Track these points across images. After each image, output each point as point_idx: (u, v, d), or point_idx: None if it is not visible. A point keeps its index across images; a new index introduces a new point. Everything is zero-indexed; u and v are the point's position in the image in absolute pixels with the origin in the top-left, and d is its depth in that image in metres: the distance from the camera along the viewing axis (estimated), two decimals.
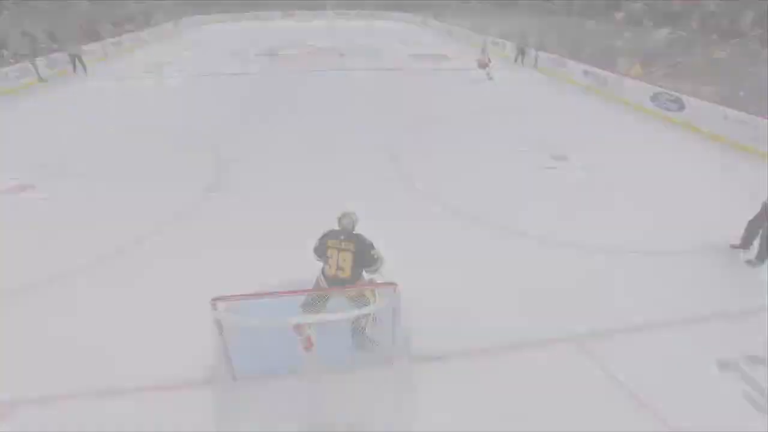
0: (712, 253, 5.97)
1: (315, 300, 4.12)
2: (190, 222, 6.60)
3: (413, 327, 4.50)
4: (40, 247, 5.96)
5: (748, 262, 5.67)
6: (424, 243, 5.92)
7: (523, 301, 4.99)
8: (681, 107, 11.55)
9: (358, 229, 4.26)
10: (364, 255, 4.07)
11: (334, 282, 4.07)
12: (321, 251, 4.21)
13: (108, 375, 4.00)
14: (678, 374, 4.09)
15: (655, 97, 12.39)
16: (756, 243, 5.72)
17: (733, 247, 6.00)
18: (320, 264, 4.26)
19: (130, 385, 3.91)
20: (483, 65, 15.76)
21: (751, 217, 5.77)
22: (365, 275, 4.22)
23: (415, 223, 6.47)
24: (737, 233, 5.94)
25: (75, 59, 17.07)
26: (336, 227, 4.26)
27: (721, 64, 12.03)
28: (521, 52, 19.55)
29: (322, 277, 4.22)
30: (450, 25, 30.74)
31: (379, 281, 4.12)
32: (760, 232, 5.66)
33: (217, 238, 6.13)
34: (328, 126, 11.03)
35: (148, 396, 3.82)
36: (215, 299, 3.41)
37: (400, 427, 3.50)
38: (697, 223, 6.63)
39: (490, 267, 5.58)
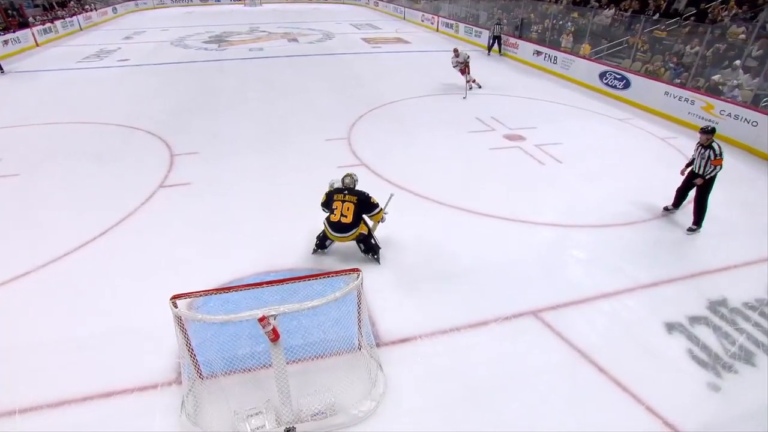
0: (655, 223, 6.35)
1: (323, 241, 5.38)
2: (143, 218, 6.32)
3: (378, 310, 4.59)
4: None
5: (689, 229, 6.09)
6: (381, 227, 5.94)
7: (480, 278, 5.14)
8: (627, 85, 12.08)
9: None
10: (366, 203, 5.13)
11: (338, 226, 5.06)
12: (328, 204, 5.19)
13: (68, 381, 3.83)
14: (631, 339, 4.36)
15: (603, 76, 12.89)
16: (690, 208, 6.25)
17: (666, 209, 6.57)
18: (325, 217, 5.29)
19: (92, 390, 3.76)
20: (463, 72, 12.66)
21: (679, 186, 6.36)
22: (369, 221, 5.32)
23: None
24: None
25: None
26: (340, 185, 5.30)
27: (661, 43, 12.65)
28: (496, 40, 17.79)
29: (326, 224, 5.17)
30: (403, 7, 30.58)
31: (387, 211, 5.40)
32: (691, 198, 6.17)
33: (175, 234, 5.93)
34: (280, 113, 10.79)
35: (110, 402, 3.69)
36: (175, 297, 3.32)
37: (370, 411, 3.55)
38: (641, 194, 7.03)
39: (448, 248, 5.70)
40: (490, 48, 18.18)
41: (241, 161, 8.13)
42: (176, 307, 3.27)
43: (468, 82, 12.48)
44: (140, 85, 13.49)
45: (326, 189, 5.46)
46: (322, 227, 5.33)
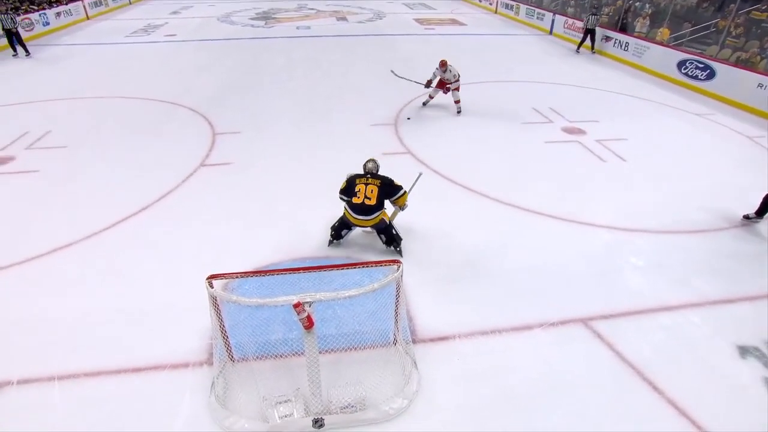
0: (732, 232, 6.00)
1: (339, 231, 5.41)
2: (182, 196, 6.64)
3: (416, 305, 4.63)
4: (27, 222, 6.03)
5: (746, 217, 5.76)
6: (426, 219, 5.98)
7: (526, 279, 5.07)
8: (711, 75, 11.38)
9: None
10: (390, 186, 5.22)
11: (361, 208, 5.11)
12: (349, 189, 5.21)
13: (100, 354, 4.10)
14: (695, 359, 4.16)
15: (682, 65, 12.20)
16: None
17: (746, 217, 6.15)
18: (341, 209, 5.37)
19: (124, 364, 4.00)
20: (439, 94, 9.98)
21: None
22: (393, 207, 5.44)
23: (416, 198, 6.51)
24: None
25: (11, 36, 14.01)
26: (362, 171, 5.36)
27: (760, 26, 11.76)
28: (589, 34, 15.27)
29: (348, 209, 5.23)
30: None
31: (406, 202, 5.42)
32: None
33: (213, 214, 6.19)
34: (326, 95, 10.96)
35: (142, 377, 3.91)
36: (211, 277, 3.48)
37: (402, 409, 3.60)
38: (720, 200, 6.65)
39: (495, 245, 5.64)
40: (580, 44, 15.71)
41: (284, 143, 8.34)
42: (212, 287, 3.42)
43: (456, 102, 9.89)
44: (185, 61, 14.06)
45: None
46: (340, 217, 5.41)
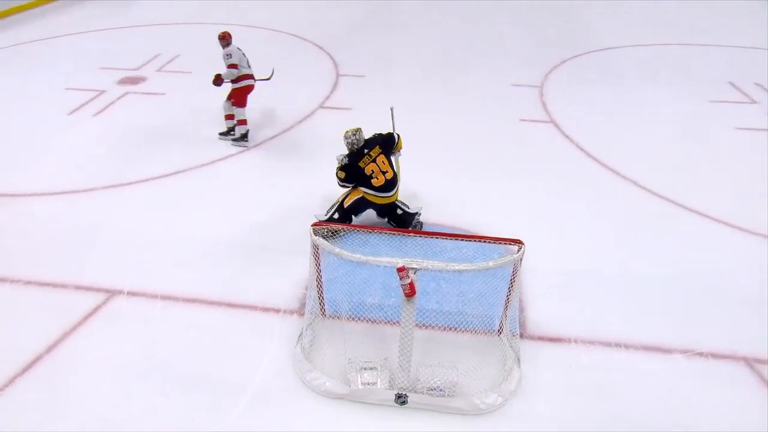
0: None
1: (348, 214, 5.22)
2: (298, 137, 7.22)
3: (530, 295, 4.61)
4: (150, 142, 6.98)
5: None
6: (564, 208, 5.85)
7: (678, 294, 4.77)
8: None
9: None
10: (386, 140, 5.31)
11: (386, 187, 5.16)
12: (360, 175, 5.15)
13: (199, 282, 4.75)
14: None
15: None
16: None
17: None
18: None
19: (219, 297, 4.59)
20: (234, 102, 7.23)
21: None
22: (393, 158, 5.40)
23: (555, 182, 6.37)
24: None
25: None
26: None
27: None
28: None
29: (370, 193, 5.18)
30: None
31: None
32: None
33: (327, 160, 6.51)
34: (463, 44, 10.90)
35: (234, 312, 4.46)
36: (316, 224, 3.78)
37: (494, 406, 3.65)
38: None
39: (640, 244, 5.37)
40: None
41: (410, 95, 8.50)
42: (316, 235, 3.72)
43: (234, 127, 7.12)
44: None
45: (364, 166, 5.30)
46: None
